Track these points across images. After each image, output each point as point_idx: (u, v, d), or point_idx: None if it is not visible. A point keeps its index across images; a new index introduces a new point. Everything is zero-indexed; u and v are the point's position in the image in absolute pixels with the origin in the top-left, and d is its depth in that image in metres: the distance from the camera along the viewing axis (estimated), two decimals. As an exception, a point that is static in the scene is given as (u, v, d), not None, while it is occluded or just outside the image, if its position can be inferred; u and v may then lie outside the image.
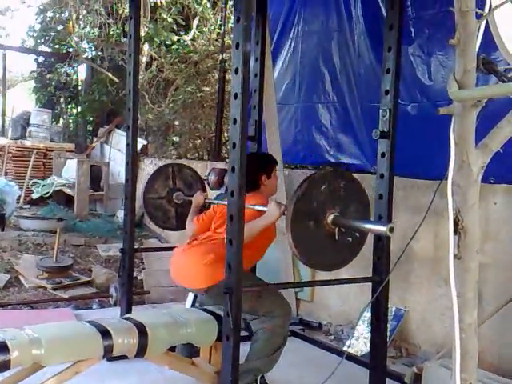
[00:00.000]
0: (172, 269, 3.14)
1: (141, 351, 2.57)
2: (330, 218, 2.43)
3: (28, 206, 9.68)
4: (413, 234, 3.65)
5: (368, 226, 2.43)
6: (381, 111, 2.74)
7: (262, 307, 2.88)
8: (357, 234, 2.53)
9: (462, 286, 1.55)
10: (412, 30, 3.88)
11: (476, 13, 1.29)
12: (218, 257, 2.79)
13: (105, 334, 2.49)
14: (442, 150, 2.03)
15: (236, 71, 2.36)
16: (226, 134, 8.07)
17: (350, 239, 2.50)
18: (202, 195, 3.52)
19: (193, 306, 3.51)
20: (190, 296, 3.64)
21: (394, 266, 2.23)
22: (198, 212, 3.43)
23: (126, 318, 2.76)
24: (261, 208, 2.75)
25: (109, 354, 2.50)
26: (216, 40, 8.88)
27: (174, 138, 9.70)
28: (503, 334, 3.27)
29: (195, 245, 3.06)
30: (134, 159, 3.61)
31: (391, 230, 2.27)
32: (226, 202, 3.17)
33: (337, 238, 2.44)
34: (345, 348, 3.98)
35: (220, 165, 6.03)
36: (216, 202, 3.37)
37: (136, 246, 3.94)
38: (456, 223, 1.47)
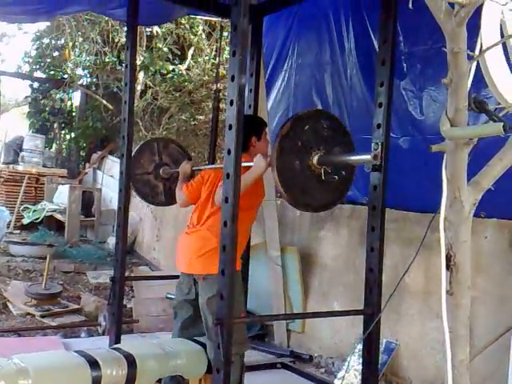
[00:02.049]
0: (177, 254, 3.12)
1: (129, 383, 2.54)
2: (316, 157, 2.44)
3: (18, 231, 9.62)
4: (404, 266, 3.67)
5: (352, 157, 2.46)
6: (373, 144, 2.76)
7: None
8: (343, 172, 2.53)
9: (453, 321, 1.55)
10: (404, 65, 3.95)
11: (467, 53, 1.32)
12: (214, 249, 2.73)
13: (93, 364, 2.47)
14: (432, 183, 2.06)
15: (231, 103, 2.39)
16: (218, 162, 8.09)
17: (336, 177, 2.49)
18: (188, 164, 3.46)
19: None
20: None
21: (387, 302, 2.22)
22: (186, 181, 3.37)
23: (115, 349, 2.74)
24: (247, 164, 2.71)
25: (97, 386, 2.47)
26: (210, 70, 8.97)
27: (167, 166, 9.70)
28: (494, 369, 3.25)
29: (199, 227, 3.03)
30: (127, 186, 3.61)
31: (375, 157, 2.33)
32: (215, 165, 3.16)
33: (323, 177, 2.44)
34: (336, 381, 3.94)
35: (212, 193, 6.03)
36: (203, 167, 3.35)
37: (126, 274, 3.91)
38: (448, 259, 1.48)
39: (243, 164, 2.73)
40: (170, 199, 3.66)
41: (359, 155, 2.47)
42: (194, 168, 3.44)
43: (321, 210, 2.65)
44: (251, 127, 3.05)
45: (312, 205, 2.59)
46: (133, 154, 3.67)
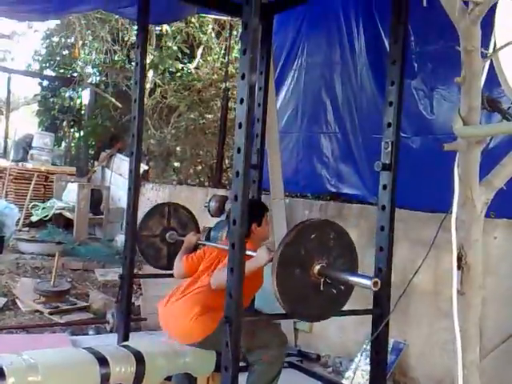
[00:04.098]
0: (161, 322, 3.05)
1: (138, 380, 2.54)
2: (317, 267, 2.39)
3: (27, 228, 9.66)
4: (412, 266, 3.66)
5: (353, 278, 2.38)
6: (383, 144, 2.76)
7: (258, 341, 2.87)
8: (342, 287, 2.49)
9: (464, 321, 1.54)
10: (415, 64, 3.93)
11: (481, 52, 1.31)
12: (204, 308, 2.79)
13: (102, 361, 2.47)
14: (442, 182, 2.05)
15: (241, 101, 2.39)
16: (227, 161, 8.10)
17: (334, 291, 2.45)
18: (194, 236, 3.49)
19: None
20: None
21: (397, 302, 2.21)
22: (188, 252, 3.37)
23: (124, 346, 2.74)
24: (250, 253, 2.69)
25: (106, 382, 2.47)
26: (220, 69, 8.98)
27: (176, 164, 9.73)
28: (504, 370, 3.24)
29: (179, 298, 2.96)
30: (136, 185, 3.62)
31: (375, 284, 2.25)
32: (219, 245, 3.18)
33: (322, 288, 2.40)
34: (343, 380, 3.93)
35: (221, 192, 6.05)
36: (208, 244, 3.35)
37: (134, 272, 3.92)
38: (459, 258, 1.47)
39: (247, 253, 2.72)
40: (172, 264, 3.64)
41: (359, 278, 2.37)
42: (199, 242, 3.45)
43: (315, 321, 2.61)
44: (252, 215, 2.97)
45: (307, 314, 2.52)
46: (143, 215, 3.77)
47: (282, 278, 2.33)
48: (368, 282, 2.26)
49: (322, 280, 2.41)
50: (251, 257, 2.70)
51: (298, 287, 2.38)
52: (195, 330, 2.79)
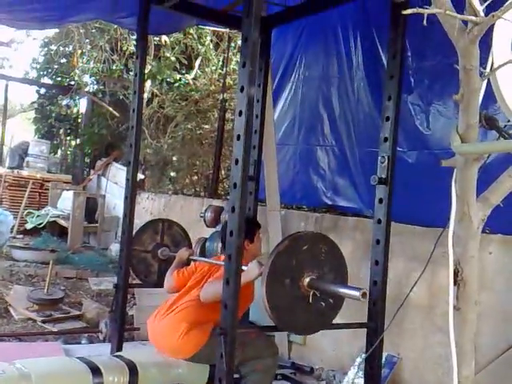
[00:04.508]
0: (150, 338, 3.03)
1: (131, 391, 2.53)
2: (307, 280, 2.40)
3: (21, 235, 9.62)
4: (407, 280, 3.67)
5: (342, 290, 2.39)
6: (379, 158, 2.78)
7: (251, 352, 2.88)
8: (330, 301, 2.49)
9: (459, 337, 1.55)
10: (412, 79, 3.97)
11: (480, 70, 1.33)
12: (191, 324, 2.80)
13: (95, 371, 2.47)
14: (438, 197, 2.06)
15: (240, 113, 2.41)
16: (223, 172, 8.11)
17: (323, 304, 2.46)
18: (187, 251, 3.49)
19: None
20: None
21: (394, 317, 2.22)
22: (180, 267, 3.36)
23: (117, 356, 2.74)
24: (242, 267, 2.71)
25: (99, 393, 2.47)
26: (217, 80, 9.02)
27: (172, 174, 9.74)
28: (498, 385, 3.24)
29: (165, 315, 2.96)
30: (133, 194, 3.62)
31: (364, 295, 2.27)
32: (210, 261, 3.19)
33: (310, 301, 2.41)
34: (336, 394, 3.92)
35: (216, 202, 6.05)
36: (199, 259, 3.36)
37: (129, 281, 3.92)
38: (455, 274, 1.48)
39: None
40: (162, 281, 3.63)
41: (348, 289, 2.38)
42: (191, 257, 3.45)
43: (302, 333, 2.62)
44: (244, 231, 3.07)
45: (294, 326, 2.53)
46: (137, 230, 3.77)
47: (271, 288, 2.34)
48: (357, 293, 2.27)
49: (311, 293, 2.41)
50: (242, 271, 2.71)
51: (286, 298, 2.39)
52: (184, 346, 2.80)
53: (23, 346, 4.48)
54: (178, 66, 9.02)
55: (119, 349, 3.42)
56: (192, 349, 2.79)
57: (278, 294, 2.36)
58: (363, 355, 3.20)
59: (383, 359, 3.78)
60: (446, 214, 1.55)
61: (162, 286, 3.60)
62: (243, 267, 2.68)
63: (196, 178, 9.26)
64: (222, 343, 2.36)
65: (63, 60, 11.58)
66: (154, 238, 3.82)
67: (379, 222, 2.79)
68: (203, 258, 3.31)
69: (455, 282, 1.48)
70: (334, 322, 4.33)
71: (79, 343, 4.74)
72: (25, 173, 10.61)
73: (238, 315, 2.45)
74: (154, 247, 3.81)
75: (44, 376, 2.37)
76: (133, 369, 2.58)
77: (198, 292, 2.91)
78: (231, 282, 2.39)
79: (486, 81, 1.40)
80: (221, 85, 8.32)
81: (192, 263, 3.33)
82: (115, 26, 8.28)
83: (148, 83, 8.88)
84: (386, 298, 2.77)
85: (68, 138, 13.20)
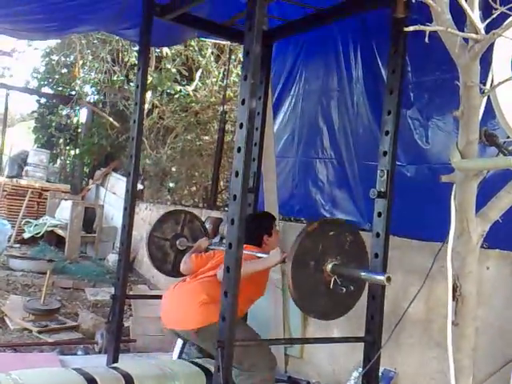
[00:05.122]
0: (162, 310, 3.10)
1: (127, 403, 2.52)
2: (330, 265, 2.45)
3: (19, 245, 9.60)
4: (405, 294, 3.66)
5: (366, 274, 2.45)
6: (379, 172, 2.79)
7: (248, 358, 2.85)
8: (352, 287, 2.53)
9: (457, 352, 1.55)
10: (411, 94, 3.99)
11: (480, 87, 1.34)
12: (210, 298, 2.83)
13: (92, 382, 2.45)
14: (437, 211, 2.07)
15: (241, 126, 2.42)
16: (222, 183, 8.12)
17: (344, 290, 2.49)
18: (207, 241, 3.60)
19: (180, 356, 3.44)
20: (178, 345, 3.58)
21: (392, 332, 2.21)
22: (197, 253, 3.46)
23: (114, 368, 2.73)
24: (262, 254, 2.83)
25: (95, 404, 2.45)
26: (218, 92, 9.06)
27: (171, 184, 9.75)
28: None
29: (188, 282, 3.05)
30: (132, 205, 3.62)
31: (388, 279, 2.30)
32: None
33: (331, 286, 2.45)
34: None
35: (215, 213, 6.05)
36: (218, 248, 3.43)
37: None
38: (454, 289, 1.48)
39: (259, 254, 2.86)
40: (176, 271, 3.69)
41: (372, 274, 2.45)
42: (210, 246, 3.56)
43: (322, 318, 2.66)
44: (262, 227, 3.25)
45: (314, 310, 2.57)
46: (159, 217, 3.88)
47: (296, 268, 2.38)
48: (382, 277, 2.32)
49: (333, 279, 2.45)
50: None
51: (309, 280, 2.43)
52: (199, 315, 2.83)
53: (19, 356, 4.45)
54: (178, 77, 9.06)
55: (115, 360, 3.40)
56: (203, 321, 2.80)
57: (303, 275, 2.41)
58: (360, 369, 3.19)
59: (380, 374, 3.77)
60: (445, 228, 1.56)
61: (175, 275, 3.71)
62: (263, 254, 2.82)
63: (195, 188, 9.27)
64: (219, 356, 2.35)
65: (64, 70, 11.62)
66: (175, 228, 3.86)
67: (378, 235, 2.79)
68: (222, 247, 3.33)
69: (454, 298, 1.48)
70: (331, 336, 4.33)
71: (75, 354, 4.70)
72: (23, 182, 10.61)
73: (240, 312, 2.47)
74: (174, 237, 3.84)
75: (40, 387, 2.36)
76: (129, 381, 2.57)
77: (216, 271, 2.96)
78: (229, 294, 2.39)
79: (486, 97, 1.41)
80: (221, 96, 8.36)
81: (210, 251, 3.42)
82: (117, 38, 8.33)
83: (148, 94, 8.92)
84: (383, 312, 2.77)
85: (67, 147, 13.21)
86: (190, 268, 3.31)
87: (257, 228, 3.16)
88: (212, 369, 2.54)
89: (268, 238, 3.21)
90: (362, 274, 2.43)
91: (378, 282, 2.33)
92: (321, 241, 2.44)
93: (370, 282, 2.60)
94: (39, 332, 5.10)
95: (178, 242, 3.83)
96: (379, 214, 2.79)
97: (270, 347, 3.06)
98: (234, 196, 2.42)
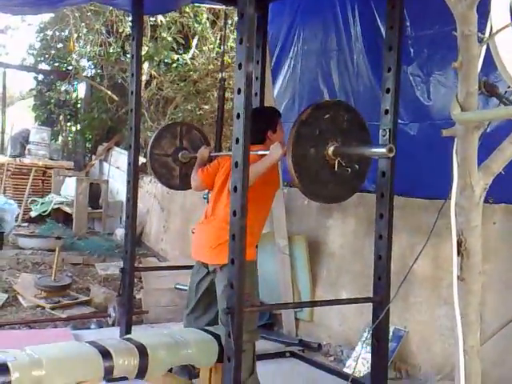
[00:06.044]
0: (196, 237, 3.13)
1: (141, 372, 2.55)
2: (331, 148, 2.45)
3: (26, 224, 9.67)
4: (411, 253, 3.67)
5: (367, 149, 2.45)
6: (381, 131, 2.75)
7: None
8: (356, 166, 2.54)
9: (464, 307, 1.54)
10: (411, 49, 3.91)
11: (478, 36, 1.30)
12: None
13: (106, 354, 2.48)
14: (440, 169, 2.04)
15: (239, 91, 2.38)
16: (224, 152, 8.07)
17: (348, 170, 2.50)
18: (206, 149, 3.48)
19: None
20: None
21: (398, 291, 2.22)
22: (202, 165, 3.38)
23: (127, 339, 2.75)
24: (265, 152, 2.77)
25: (109, 375, 2.48)
26: (215, 59, 8.93)
27: (173, 156, 9.71)
28: (503, 355, 3.25)
29: (209, 221, 3.06)
30: (135, 178, 3.61)
31: (390, 150, 2.31)
32: (231, 153, 3.17)
33: (336, 169, 2.45)
34: (345, 369, 3.95)
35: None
36: (220, 154, 3.37)
37: (135, 265, 3.93)
38: (459, 244, 1.47)
39: (260, 152, 2.77)
40: (185, 184, 3.65)
41: (374, 148, 2.46)
42: (211, 154, 3.44)
43: (330, 202, 2.65)
44: (264, 121, 3.10)
45: (322, 195, 2.59)
46: (154, 134, 3.72)
47: (297, 157, 2.38)
48: (383, 150, 2.33)
49: (337, 161, 2.45)
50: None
51: (312, 167, 2.43)
52: (224, 252, 2.72)
53: (33, 332, 4.52)
54: (175, 46, 8.93)
55: (128, 332, 3.44)
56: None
57: (304, 164, 2.40)
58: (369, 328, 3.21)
59: (390, 333, 3.81)
60: (449, 185, 1.54)
61: (185, 188, 3.70)
62: (265, 151, 2.77)
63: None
64: (229, 322, 2.37)
65: (60, 45, 11.47)
66: (173, 142, 3.77)
67: (382, 195, 2.77)
68: (224, 153, 3.28)
69: (459, 253, 1.47)
70: (340, 297, 4.35)
71: (88, 328, 4.78)
72: (27, 161, 10.61)
73: (244, 294, 2.44)
74: (174, 151, 3.76)
75: (55, 361, 2.38)
76: (142, 351, 2.59)
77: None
78: (236, 261, 2.39)
79: (484, 48, 1.37)
80: (219, 63, 8.25)
81: (214, 160, 3.33)
82: (110, 8, 8.19)
83: (145, 65, 8.81)
84: (390, 272, 2.77)
85: (68, 123, 13.14)
86: (200, 184, 3.29)
87: (260, 124, 2.98)
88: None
89: (272, 134, 3.09)
90: (365, 150, 2.45)
91: (380, 155, 2.33)
92: (317, 126, 2.42)
93: (373, 156, 2.61)
94: (52, 308, 5.17)
95: (180, 155, 3.73)
96: (383, 174, 2.76)
97: (256, 323, 3.03)
98: (236, 163, 2.40)
